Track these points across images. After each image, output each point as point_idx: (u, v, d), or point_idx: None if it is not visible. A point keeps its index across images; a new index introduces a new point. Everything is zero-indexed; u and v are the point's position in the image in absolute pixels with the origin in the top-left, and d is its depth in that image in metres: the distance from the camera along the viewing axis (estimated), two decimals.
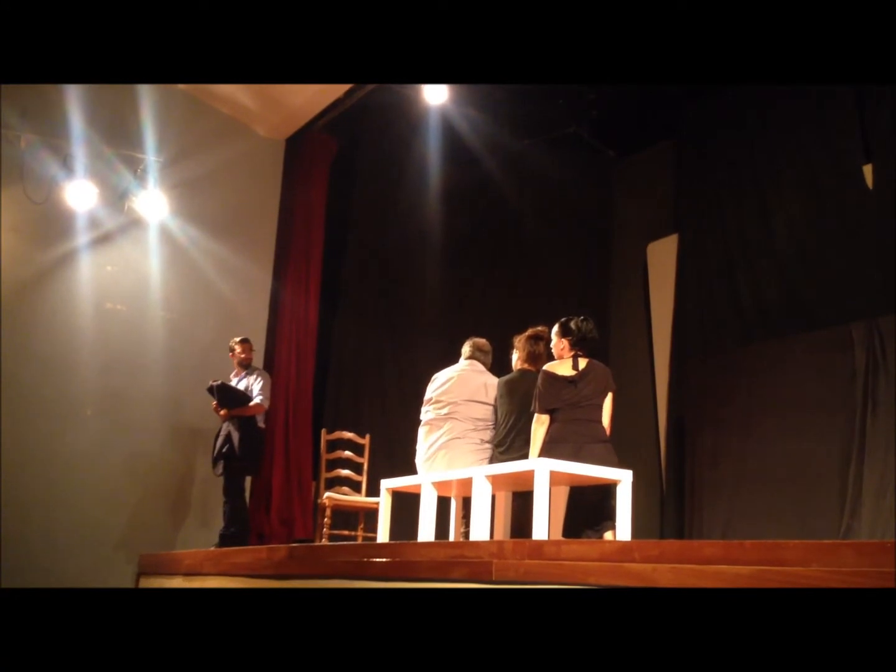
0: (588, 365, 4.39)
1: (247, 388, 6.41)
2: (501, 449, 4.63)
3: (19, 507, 6.07)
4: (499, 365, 5.15)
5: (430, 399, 4.97)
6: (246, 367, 6.53)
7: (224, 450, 6.22)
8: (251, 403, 6.30)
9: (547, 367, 4.42)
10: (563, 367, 4.38)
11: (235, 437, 6.20)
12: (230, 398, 6.29)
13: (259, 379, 6.43)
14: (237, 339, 6.56)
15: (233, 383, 6.46)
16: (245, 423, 6.27)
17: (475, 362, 5.06)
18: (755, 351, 7.34)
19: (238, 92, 7.33)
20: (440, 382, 4.98)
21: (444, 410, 4.84)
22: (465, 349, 5.14)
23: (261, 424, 6.40)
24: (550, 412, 4.30)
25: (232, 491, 6.30)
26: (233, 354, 6.55)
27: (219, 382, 6.29)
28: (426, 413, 4.98)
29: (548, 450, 4.18)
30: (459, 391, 4.87)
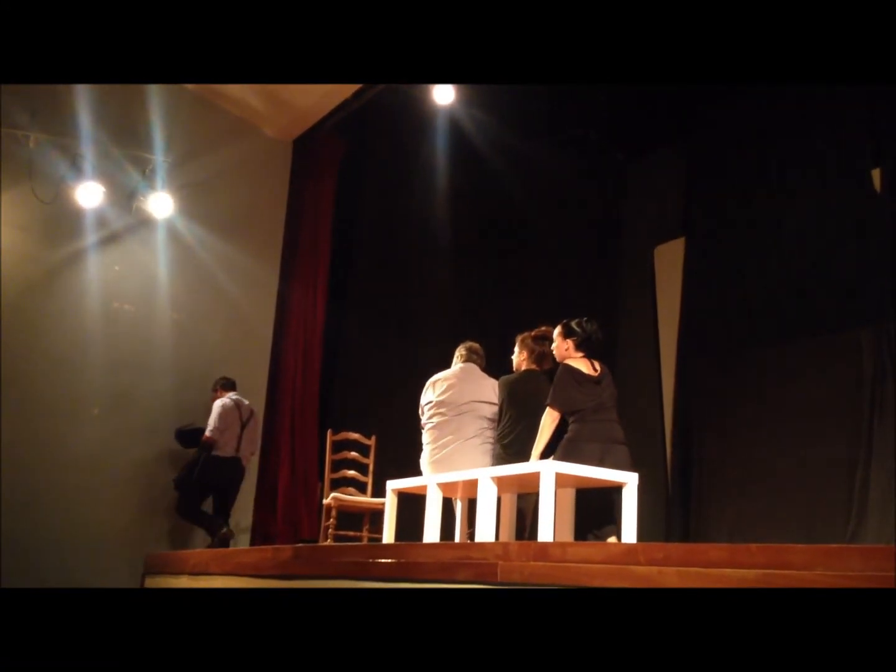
0: (603, 367, 4.41)
1: None
2: (509, 451, 4.61)
3: (24, 507, 6.08)
4: (501, 365, 5.15)
5: (436, 402, 4.95)
6: None
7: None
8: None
9: (568, 362, 4.37)
10: (581, 365, 4.35)
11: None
12: (188, 440, 6.62)
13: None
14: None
15: None
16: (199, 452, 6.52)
17: (473, 365, 5.06)
18: (762, 355, 7.30)
19: (246, 93, 7.35)
20: (444, 386, 4.97)
21: (454, 412, 4.83)
22: (462, 352, 5.14)
23: (217, 452, 6.48)
24: (572, 413, 4.23)
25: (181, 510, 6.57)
26: None
27: (175, 430, 6.67)
28: (432, 416, 4.96)
29: (574, 448, 4.13)
30: (467, 392, 4.87)
